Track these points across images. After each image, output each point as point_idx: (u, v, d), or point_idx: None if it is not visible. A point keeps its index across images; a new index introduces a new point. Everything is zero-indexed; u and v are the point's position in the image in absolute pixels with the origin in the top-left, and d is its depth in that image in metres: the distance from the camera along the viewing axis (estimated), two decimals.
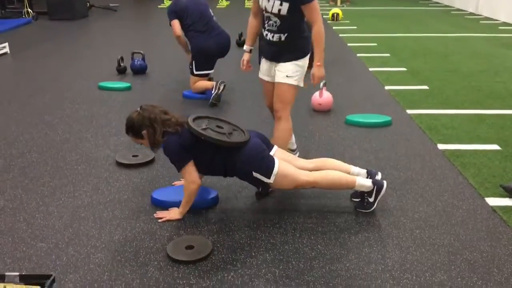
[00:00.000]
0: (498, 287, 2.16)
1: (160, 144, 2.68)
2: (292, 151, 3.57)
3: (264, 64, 3.27)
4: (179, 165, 2.66)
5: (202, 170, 2.77)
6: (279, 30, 3.03)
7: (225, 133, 2.69)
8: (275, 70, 3.17)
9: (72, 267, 2.29)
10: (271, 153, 2.79)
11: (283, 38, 3.04)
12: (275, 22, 3.02)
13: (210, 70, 4.99)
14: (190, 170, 2.65)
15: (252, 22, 3.30)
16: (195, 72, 4.95)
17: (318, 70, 3.07)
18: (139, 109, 2.71)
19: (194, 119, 2.72)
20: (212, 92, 4.77)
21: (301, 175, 2.72)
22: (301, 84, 3.16)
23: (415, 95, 5.15)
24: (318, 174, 2.76)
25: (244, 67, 3.37)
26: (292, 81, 3.10)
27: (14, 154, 3.63)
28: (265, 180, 2.67)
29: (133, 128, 2.69)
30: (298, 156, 3.29)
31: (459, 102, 4.90)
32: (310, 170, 2.81)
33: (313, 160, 2.98)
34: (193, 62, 4.93)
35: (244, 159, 2.66)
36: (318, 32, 2.99)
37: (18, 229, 2.61)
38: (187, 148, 2.65)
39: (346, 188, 2.82)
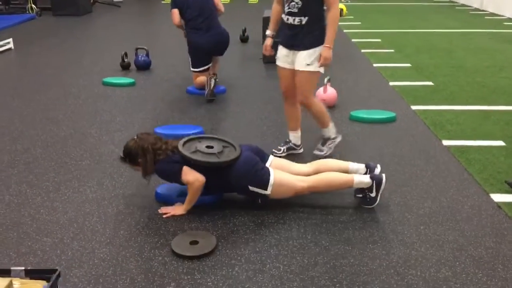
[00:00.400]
0: (503, 283, 2.15)
1: (152, 173, 2.76)
2: (296, 146, 3.59)
3: (282, 51, 3.33)
4: (177, 176, 2.69)
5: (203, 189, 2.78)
6: (300, 13, 3.11)
7: (215, 152, 2.73)
8: (294, 58, 3.24)
9: (77, 262, 2.30)
10: (268, 163, 2.83)
11: (303, 21, 3.13)
12: (297, 3, 3.09)
13: (207, 65, 4.99)
14: (188, 171, 2.67)
15: (275, 8, 3.37)
16: (192, 69, 5.00)
17: (326, 51, 3.13)
18: (135, 137, 2.79)
19: (184, 143, 2.79)
20: (205, 90, 4.77)
21: (297, 181, 2.75)
22: (322, 70, 3.24)
23: (419, 91, 5.13)
24: (315, 178, 2.79)
25: (267, 52, 3.47)
26: (312, 68, 3.20)
27: (19, 149, 3.63)
28: (263, 192, 2.70)
29: (130, 156, 2.78)
30: (302, 152, 3.30)
31: (464, 98, 4.88)
32: (308, 174, 2.84)
33: (310, 163, 2.99)
34: (189, 58, 4.97)
35: (237, 175, 2.70)
36: (333, 15, 3.09)
37: (23, 224, 2.62)
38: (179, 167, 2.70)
39: (345, 188, 2.84)
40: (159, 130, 3.91)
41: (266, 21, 6.39)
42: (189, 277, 2.20)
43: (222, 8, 5.06)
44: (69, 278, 2.18)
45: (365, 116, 4.27)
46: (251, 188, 2.70)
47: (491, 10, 11.58)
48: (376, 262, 2.31)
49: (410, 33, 8.79)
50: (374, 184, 2.75)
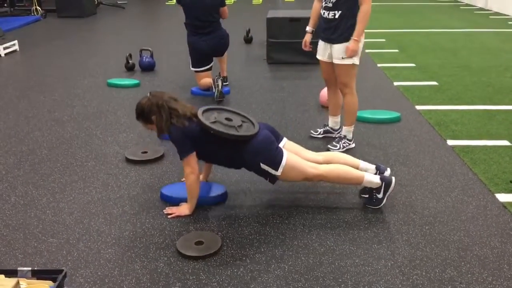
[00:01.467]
0: (509, 283, 2.15)
1: (166, 131, 2.69)
2: (334, 130, 3.84)
3: (321, 44, 3.57)
4: (182, 154, 2.67)
5: (209, 160, 2.79)
6: (334, 7, 3.34)
7: (234, 126, 2.70)
8: (331, 51, 3.46)
9: (83, 263, 2.31)
10: (281, 144, 2.79)
11: (337, 15, 3.33)
12: None
13: (206, 66, 5.00)
14: (191, 161, 2.66)
15: (315, 6, 3.62)
16: (191, 69, 5.05)
17: (353, 44, 3.30)
18: (148, 94, 2.74)
19: (204, 112, 2.74)
20: (213, 91, 4.77)
21: (309, 167, 2.72)
22: (357, 62, 3.43)
23: (424, 91, 5.12)
24: (326, 167, 2.76)
25: (306, 47, 3.73)
26: (348, 61, 3.39)
27: (25, 150, 3.66)
28: (273, 172, 2.67)
29: (143, 114, 2.73)
30: (336, 141, 3.59)
31: (468, 98, 4.86)
32: (319, 163, 2.81)
33: (322, 153, 2.98)
34: (189, 58, 5.03)
35: (253, 150, 2.66)
36: (364, 10, 3.26)
37: (29, 225, 2.64)
38: (193, 138, 2.66)
39: (354, 183, 2.82)
40: None
41: (270, 22, 6.41)
42: (194, 277, 2.21)
43: (227, 15, 5.07)
44: (75, 278, 2.19)
45: (369, 116, 4.27)
46: (262, 165, 2.65)
47: (495, 9, 11.54)
48: (381, 262, 2.31)
49: (414, 33, 8.77)
50: (383, 185, 2.74)
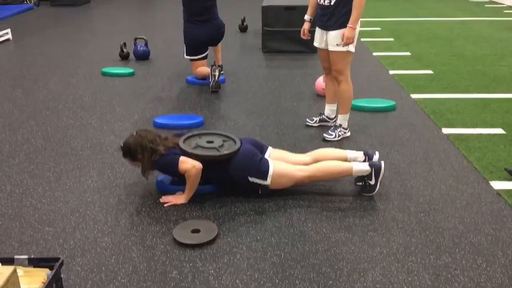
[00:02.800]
0: (503, 269, 2.17)
1: (149, 169, 2.77)
2: (329, 119, 3.84)
3: (318, 32, 3.58)
4: (175, 167, 2.69)
5: (200, 182, 2.81)
6: None
7: (215, 147, 2.78)
8: (326, 38, 3.46)
9: (80, 251, 2.31)
10: (266, 155, 2.86)
11: (332, 2, 3.34)
12: None
13: (201, 54, 4.98)
14: (185, 160, 2.69)
15: None
16: (185, 56, 5.02)
17: (349, 31, 3.30)
18: (134, 133, 2.83)
19: (185, 140, 2.85)
20: (210, 80, 4.75)
21: (296, 171, 2.77)
22: (352, 50, 3.42)
23: (419, 79, 5.13)
24: (313, 167, 2.81)
25: (304, 36, 3.73)
26: (343, 48, 3.39)
27: (19, 140, 3.64)
28: (262, 182, 2.73)
29: (130, 153, 2.80)
30: (332, 129, 3.60)
31: (463, 87, 4.87)
32: (308, 164, 2.86)
33: (309, 153, 3.01)
34: (185, 46, 5.00)
35: (237, 166, 2.73)
36: None
37: (25, 214, 2.64)
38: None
39: (344, 176, 2.87)
40: (159, 120, 3.91)
41: (265, 11, 6.37)
42: (191, 265, 2.22)
43: None
44: (72, 266, 2.20)
45: (365, 104, 4.27)
46: (250, 179, 2.72)
47: None
48: (376, 249, 2.33)
49: (409, 21, 8.75)
50: (373, 171, 2.76)
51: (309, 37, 3.73)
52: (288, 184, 2.79)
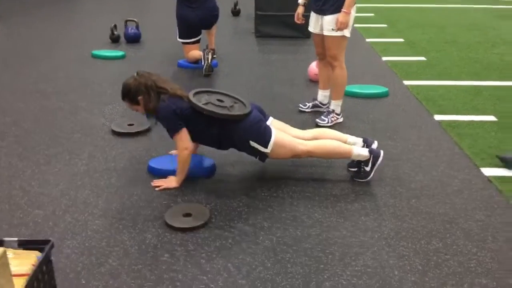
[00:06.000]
0: (493, 254, 2.19)
1: (155, 111, 2.67)
2: (322, 104, 3.83)
3: (313, 16, 3.54)
4: (172, 132, 2.65)
5: (197, 140, 2.78)
6: None
7: (227, 106, 2.70)
8: (322, 23, 3.43)
9: (70, 234, 2.29)
10: (267, 123, 2.79)
11: None
12: None
13: (194, 38, 4.92)
14: (183, 136, 2.65)
15: None
16: (178, 39, 4.96)
17: (342, 16, 3.27)
18: (135, 74, 2.70)
19: (195, 94, 2.73)
20: (202, 64, 4.70)
21: (298, 144, 2.73)
22: (348, 34, 3.40)
23: (412, 66, 5.12)
24: (315, 143, 2.77)
25: (299, 20, 3.70)
26: (338, 33, 3.36)
27: (8, 122, 3.58)
28: (262, 149, 2.68)
29: (129, 94, 2.69)
30: (325, 116, 3.58)
31: (456, 74, 4.88)
32: (307, 140, 2.81)
33: (309, 130, 2.98)
34: (177, 30, 4.94)
35: (242, 129, 2.66)
36: None
37: (15, 196, 2.60)
38: (183, 118, 2.64)
39: (343, 157, 2.84)
40: None
41: None
42: (182, 248, 2.21)
43: None
44: (62, 249, 2.18)
45: (358, 91, 4.26)
46: (252, 143, 2.66)
47: None
48: (368, 234, 2.33)
49: (403, 8, 8.73)
50: (371, 158, 2.76)
51: (303, 22, 3.68)
52: (287, 155, 2.75)
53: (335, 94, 3.60)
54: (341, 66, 3.52)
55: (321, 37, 3.50)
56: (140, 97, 2.66)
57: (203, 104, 2.65)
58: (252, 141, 2.66)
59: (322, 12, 3.39)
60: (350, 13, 3.29)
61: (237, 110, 2.70)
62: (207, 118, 2.64)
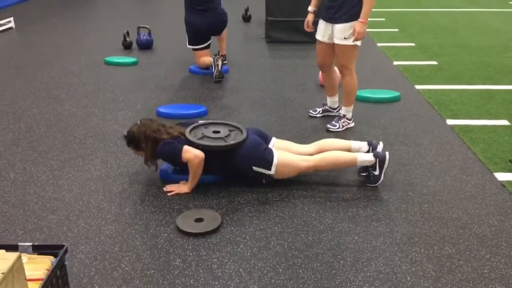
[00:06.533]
0: (507, 260, 2.17)
1: (152, 159, 2.79)
2: (332, 109, 3.82)
3: (322, 24, 3.48)
4: (177, 155, 2.68)
5: (203, 171, 2.80)
6: None
7: (222, 137, 2.77)
8: (332, 31, 3.38)
9: (83, 239, 2.32)
10: (270, 144, 2.85)
11: None
12: None
13: (203, 44, 4.95)
14: (188, 149, 2.68)
15: None
16: (188, 46, 4.99)
17: (359, 26, 3.23)
18: (138, 122, 2.82)
19: (191, 130, 2.83)
20: (213, 70, 4.73)
21: (301, 161, 2.76)
22: (359, 43, 3.35)
23: (424, 70, 5.10)
24: (318, 157, 2.80)
25: (308, 28, 3.64)
26: (349, 42, 3.32)
27: (23, 128, 3.64)
28: (266, 172, 2.71)
29: (134, 141, 2.81)
30: (336, 120, 3.58)
31: (468, 78, 4.84)
32: (311, 154, 2.85)
33: (313, 143, 3.00)
34: (186, 36, 4.98)
35: (242, 156, 2.71)
36: None
37: (29, 202, 2.64)
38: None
39: (348, 166, 2.85)
40: (162, 110, 3.90)
41: (269, 0, 6.33)
42: (194, 253, 2.22)
43: None
44: (76, 254, 2.20)
45: (369, 95, 4.25)
46: (255, 168, 2.71)
47: None
48: (380, 239, 2.32)
49: (414, 12, 8.70)
50: (377, 162, 2.75)
51: (313, 29, 3.65)
52: (292, 174, 2.78)
53: (346, 101, 3.59)
54: (351, 75, 3.49)
55: (328, 46, 3.46)
56: (143, 145, 2.76)
57: (198, 139, 2.74)
58: (255, 166, 2.71)
59: (334, 20, 3.34)
60: (366, 23, 3.25)
61: (233, 139, 2.76)
62: (206, 152, 2.68)
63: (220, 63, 4.70)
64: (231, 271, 2.10)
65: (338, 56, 3.45)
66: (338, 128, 3.55)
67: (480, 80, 4.77)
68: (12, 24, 7.19)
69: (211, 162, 2.73)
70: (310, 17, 3.62)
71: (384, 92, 4.34)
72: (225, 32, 5.14)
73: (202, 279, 2.05)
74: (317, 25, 3.57)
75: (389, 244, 2.29)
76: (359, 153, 2.84)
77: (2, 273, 1.37)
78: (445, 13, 8.57)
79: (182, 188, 2.74)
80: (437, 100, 4.19)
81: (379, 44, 6.23)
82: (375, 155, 2.77)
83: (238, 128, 2.88)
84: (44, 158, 3.15)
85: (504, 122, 3.71)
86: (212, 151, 2.70)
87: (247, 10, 7.86)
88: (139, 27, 6.05)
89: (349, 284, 2.02)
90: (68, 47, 6.14)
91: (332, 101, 3.83)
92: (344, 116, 3.60)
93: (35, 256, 1.77)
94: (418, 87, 4.56)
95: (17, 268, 1.46)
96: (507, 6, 9.32)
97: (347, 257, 2.20)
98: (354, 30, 3.24)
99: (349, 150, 2.91)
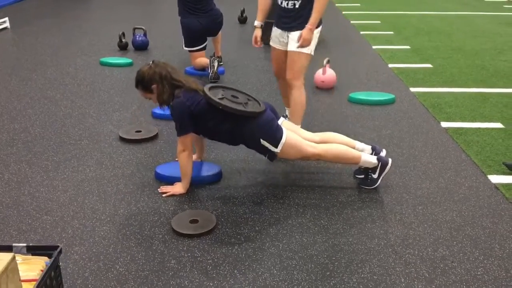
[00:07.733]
0: (500, 262, 2.18)
1: (168, 103, 2.67)
2: None
3: (276, 31, 3.31)
4: (180, 132, 2.65)
5: (209, 135, 2.79)
6: None
7: (241, 102, 2.68)
8: (287, 38, 3.21)
9: (78, 240, 2.31)
10: (279, 122, 2.80)
11: (297, 5, 3.11)
12: None
13: (199, 46, 4.95)
14: (186, 140, 2.66)
15: None
16: (184, 48, 4.99)
17: (306, 33, 3.08)
18: (151, 63, 2.69)
19: (210, 88, 2.71)
20: (209, 71, 4.73)
21: (307, 146, 2.73)
22: (312, 52, 3.20)
23: (418, 73, 5.12)
24: (324, 146, 2.77)
25: (257, 44, 3.40)
26: (304, 50, 3.15)
27: (17, 128, 3.62)
28: (272, 149, 2.68)
29: (143, 82, 2.67)
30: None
31: (462, 81, 4.87)
32: (316, 143, 2.82)
33: (319, 133, 2.97)
34: (182, 38, 4.98)
35: (255, 126, 2.66)
36: (323, 0, 3.05)
37: (23, 202, 2.63)
38: (196, 113, 2.63)
39: (351, 163, 2.83)
40: (157, 111, 3.90)
41: None
42: (189, 254, 2.22)
43: None
44: (70, 255, 2.20)
45: (364, 97, 4.27)
46: (262, 141, 2.66)
47: None
48: (374, 241, 2.33)
49: (409, 15, 8.73)
50: (379, 165, 2.76)
51: (262, 45, 3.40)
52: (295, 156, 2.75)
53: (294, 118, 3.32)
54: (300, 88, 3.27)
55: (283, 52, 3.27)
56: (154, 86, 2.64)
57: (218, 98, 2.62)
58: (263, 139, 2.66)
59: (290, 28, 3.17)
60: (314, 31, 3.10)
61: (252, 108, 2.69)
62: (221, 113, 2.62)
63: (216, 64, 4.71)
64: (225, 273, 2.10)
65: (288, 65, 3.23)
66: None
67: (474, 83, 4.80)
68: (7, 25, 7.17)
69: (223, 125, 2.66)
70: (258, 32, 3.36)
71: (379, 95, 4.36)
72: (220, 33, 5.15)
73: (197, 280, 2.05)
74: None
75: (384, 245, 2.30)
76: (364, 153, 2.83)
77: None
78: (440, 16, 8.62)
79: (176, 189, 2.73)
80: (432, 103, 4.21)
81: (374, 47, 6.25)
82: (379, 159, 2.77)
83: (255, 99, 2.80)
84: (39, 159, 3.14)
85: (498, 125, 3.73)
86: (228, 113, 2.61)
87: (243, 12, 7.87)
88: (134, 28, 6.04)
89: (343, 286, 2.02)
90: (63, 47, 6.13)
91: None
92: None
93: (30, 257, 1.77)
94: (413, 89, 4.58)
95: (11, 269, 1.46)
96: (502, 10, 9.38)
97: (341, 258, 2.20)
98: (300, 36, 3.08)
99: (353, 148, 2.88)
